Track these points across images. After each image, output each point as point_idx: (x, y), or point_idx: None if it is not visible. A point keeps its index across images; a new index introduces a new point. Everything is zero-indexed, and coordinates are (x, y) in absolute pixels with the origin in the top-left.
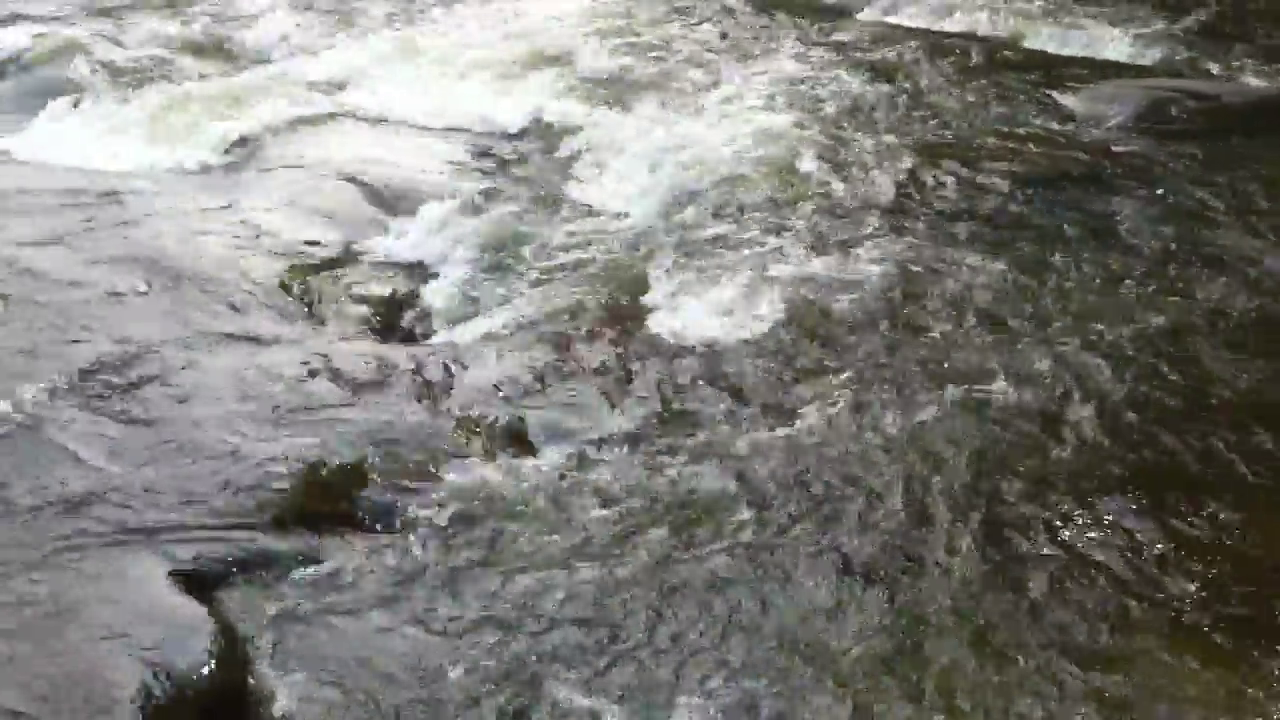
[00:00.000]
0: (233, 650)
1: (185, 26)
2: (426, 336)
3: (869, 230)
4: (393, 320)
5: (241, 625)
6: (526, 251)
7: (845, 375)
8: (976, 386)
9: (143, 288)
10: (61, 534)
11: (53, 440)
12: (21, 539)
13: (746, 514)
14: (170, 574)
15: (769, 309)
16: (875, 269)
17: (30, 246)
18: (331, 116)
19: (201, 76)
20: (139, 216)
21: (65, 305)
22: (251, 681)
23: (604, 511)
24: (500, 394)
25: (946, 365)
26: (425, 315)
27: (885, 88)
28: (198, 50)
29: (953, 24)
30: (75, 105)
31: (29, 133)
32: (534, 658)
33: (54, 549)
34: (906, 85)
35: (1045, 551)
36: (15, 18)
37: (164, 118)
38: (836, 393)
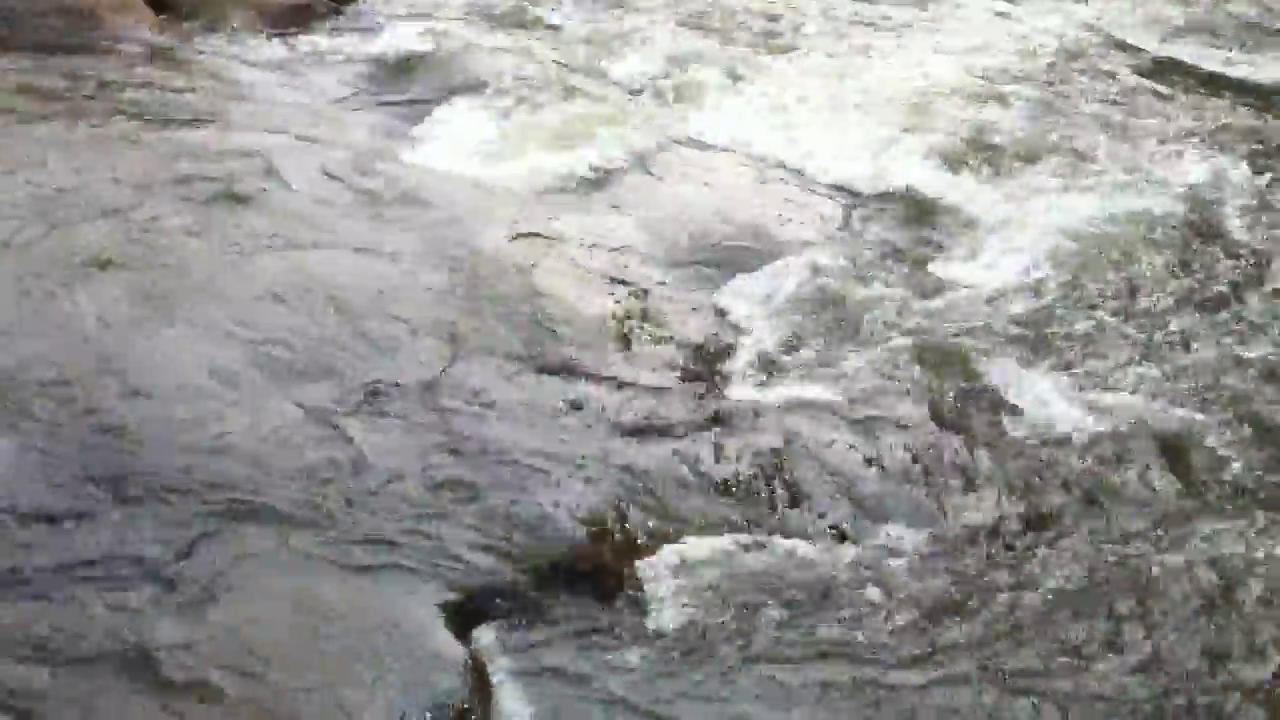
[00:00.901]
0: (481, 693)
1: (570, 43)
2: (739, 393)
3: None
4: (708, 372)
5: (494, 671)
6: (864, 321)
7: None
8: None
9: (466, 307)
10: (345, 552)
11: (341, 453)
12: (311, 551)
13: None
14: (437, 605)
15: (1159, 407)
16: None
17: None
18: (688, 148)
19: (582, 94)
20: (485, 230)
21: (385, 317)
22: None
23: (917, 613)
24: (809, 472)
25: None
26: (742, 372)
27: None
28: (587, 70)
29: None
30: (462, 110)
31: (426, 132)
32: None
33: (335, 564)
34: None
35: None
36: (428, 17)
37: (532, 134)
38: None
